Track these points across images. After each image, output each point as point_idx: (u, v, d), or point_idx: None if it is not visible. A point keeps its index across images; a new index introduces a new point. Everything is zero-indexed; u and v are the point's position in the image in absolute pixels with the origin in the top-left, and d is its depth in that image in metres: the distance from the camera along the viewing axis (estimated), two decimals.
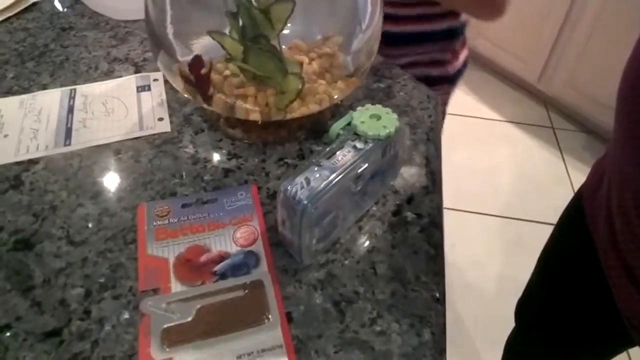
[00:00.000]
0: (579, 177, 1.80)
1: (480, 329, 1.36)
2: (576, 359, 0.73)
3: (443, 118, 0.93)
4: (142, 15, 0.51)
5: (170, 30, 0.51)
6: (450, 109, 0.96)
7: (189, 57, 0.52)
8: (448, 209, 1.67)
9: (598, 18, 1.72)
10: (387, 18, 0.78)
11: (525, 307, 0.82)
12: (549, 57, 1.94)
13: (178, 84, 0.52)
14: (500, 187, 1.78)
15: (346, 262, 0.42)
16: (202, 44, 0.52)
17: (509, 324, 0.86)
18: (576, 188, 0.72)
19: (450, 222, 1.63)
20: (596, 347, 0.69)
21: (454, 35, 0.85)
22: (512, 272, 1.48)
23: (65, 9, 0.75)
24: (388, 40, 0.78)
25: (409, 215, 0.46)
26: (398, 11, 0.79)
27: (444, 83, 0.88)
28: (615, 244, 0.53)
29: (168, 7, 0.50)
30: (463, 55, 0.90)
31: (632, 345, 0.63)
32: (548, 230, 0.75)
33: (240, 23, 0.48)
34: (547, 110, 2.13)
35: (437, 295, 0.41)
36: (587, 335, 0.68)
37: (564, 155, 1.93)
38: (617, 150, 0.51)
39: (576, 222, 0.64)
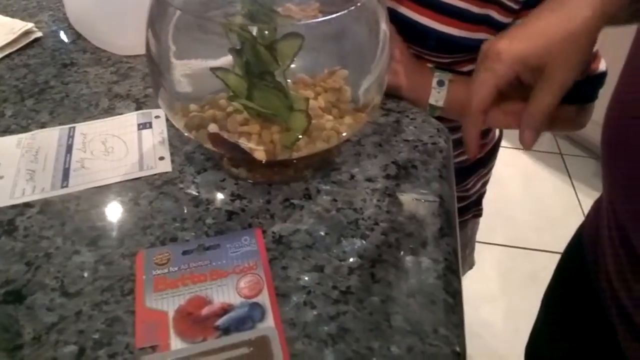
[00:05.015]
0: (591, 204, 1.76)
1: None
2: None
3: None
4: (144, 51, 0.50)
5: (172, 66, 0.50)
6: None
7: (189, 93, 0.51)
8: None
9: (605, 43, 1.71)
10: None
11: (533, 354, 0.79)
12: None
13: (178, 122, 0.50)
14: (510, 216, 1.74)
15: (359, 313, 0.39)
16: (205, 80, 0.50)
17: None
18: None
19: None
20: None
21: None
22: (526, 305, 1.44)
23: (67, 45, 0.74)
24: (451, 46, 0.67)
25: (424, 260, 0.44)
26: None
27: None
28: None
29: (170, 43, 0.49)
30: None
31: None
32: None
33: (245, 59, 0.47)
34: (554, 135, 2.11)
35: (458, 349, 0.37)
36: None
37: (573, 182, 1.90)
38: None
39: (577, 266, 0.62)
